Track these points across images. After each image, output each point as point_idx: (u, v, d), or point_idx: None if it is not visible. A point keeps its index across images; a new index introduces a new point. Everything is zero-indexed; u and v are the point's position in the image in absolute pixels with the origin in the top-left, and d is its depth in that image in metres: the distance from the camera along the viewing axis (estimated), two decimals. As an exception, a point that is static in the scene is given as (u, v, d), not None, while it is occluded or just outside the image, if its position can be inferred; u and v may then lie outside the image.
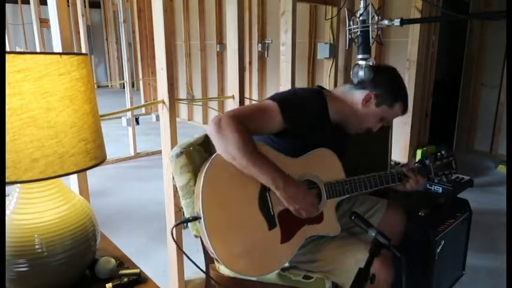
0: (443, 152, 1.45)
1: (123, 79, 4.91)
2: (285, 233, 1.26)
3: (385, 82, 1.40)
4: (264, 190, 1.25)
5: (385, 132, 1.90)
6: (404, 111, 1.45)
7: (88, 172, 1.56)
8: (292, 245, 1.28)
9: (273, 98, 1.32)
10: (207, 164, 1.22)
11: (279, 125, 1.29)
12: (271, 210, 1.25)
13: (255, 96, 5.16)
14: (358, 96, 1.40)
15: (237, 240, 1.22)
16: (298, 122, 1.31)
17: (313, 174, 1.32)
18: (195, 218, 1.22)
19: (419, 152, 3.54)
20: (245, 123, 1.21)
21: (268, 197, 1.25)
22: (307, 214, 1.25)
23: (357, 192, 1.35)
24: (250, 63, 5.12)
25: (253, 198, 1.24)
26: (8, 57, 0.78)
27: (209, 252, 1.23)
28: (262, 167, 1.19)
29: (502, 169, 3.98)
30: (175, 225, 1.22)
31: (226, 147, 1.19)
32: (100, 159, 0.95)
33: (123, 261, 1.10)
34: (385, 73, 1.44)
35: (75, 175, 1.66)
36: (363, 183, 1.35)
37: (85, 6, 6.80)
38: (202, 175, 1.20)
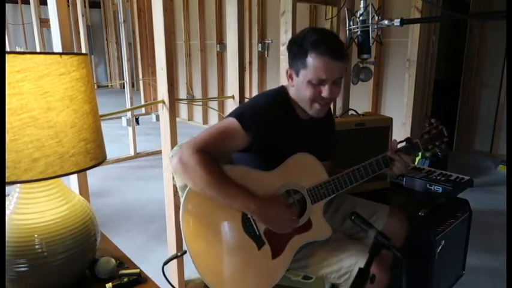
0: (432, 121, 1.32)
1: (123, 79, 4.92)
2: (274, 248, 1.25)
3: (291, 51, 1.31)
4: (245, 213, 1.23)
5: (385, 133, 1.90)
6: (325, 57, 1.22)
7: (88, 172, 1.56)
8: (284, 258, 1.27)
9: (232, 114, 1.28)
10: (182, 200, 1.22)
11: (244, 141, 1.25)
12: (256, 229, 1.24)
13: (255, 96, 5.15)
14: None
15: (229, 269, 1.23)
16: (263, 132, 1.26)
17: (293, 183, 1.28)
18: (184, 253, 1.22)
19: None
20: (208, 150, 1.19)
21: (251, 218, 1.24)
22: (286, 232, 1.24)
23: (344, 189, 1.29)
24: (250, 63, 5.12)
25: (237, 223, 1.24)
26: (8, 57, 0.78)
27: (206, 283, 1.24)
28: (231, 195, 1.18)
29: (502, 169, 3.98)
30: (166, 263, 1.19)
31: (193, 182, 1.18)
32: (100, 159, 0.95)
33: (123, 261, 1.10)
34: (289, 43, 1.33)
35: (75, 175, 1.66)
36: (348, 178, 1.28)
37: (85, 6, 6.79)
38: (180, 212, 1.21)
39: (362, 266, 1.21)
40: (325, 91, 1.25)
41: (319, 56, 1.22)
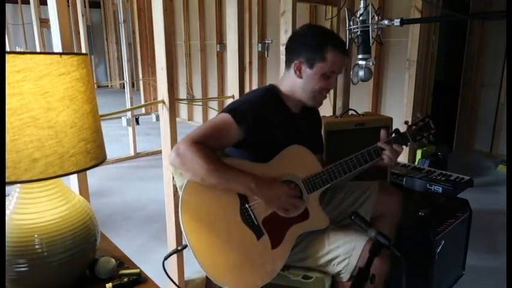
0: (418, 115, 1.38)
1: (123, 79, 4.91)
2: (274, 238, 1.27)
3: (302, 44, 1.35)
4: (243, 203, 1.25)
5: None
6: (341, 52, 1.33)
7: (88, 172, 1.56)
8: (284, 248, 1.28)
9: (225, 109, 1.32)
10: (181, 193, 1.23)
11: (238, 135, 1.29)
12: (254, 220, 1.26)
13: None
14: (291, 72, 1.38)
15: (230, 260, 1.24)
16: (256, 125, 1.30)
17: (288, 174, 1.31)
18: (184, 247, 1.22)
19: (419, 152, 3.54)
20: (204, 143, 1.22)
21: (249, 208, 1.26)
22: (292, 209, 1.27)
23: (338, 179, 1.33)
24: (250, 63, 5.12)
25: (235, 213, 1.25)
26: (8, 57, 0.78)
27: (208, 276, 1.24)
28: (231, 179, 1.21)
29: (502, 169, 3.98)
30: (166, 257, 1.22)
31: (192, 172, 1.20)
32: (100, 159, 0.95)
33: (123, 261, 1.10)
34: (298, 37, 1.39)
35: (75, 175, 1.66)
36: (341, 168, 1.32)
37: (85, 6, 6.77)
38: (179, 206, 1.22)
39: (360, 251, 1.23)
40: (332, 83, 1.37)
41: (337, 51, 1.32)
